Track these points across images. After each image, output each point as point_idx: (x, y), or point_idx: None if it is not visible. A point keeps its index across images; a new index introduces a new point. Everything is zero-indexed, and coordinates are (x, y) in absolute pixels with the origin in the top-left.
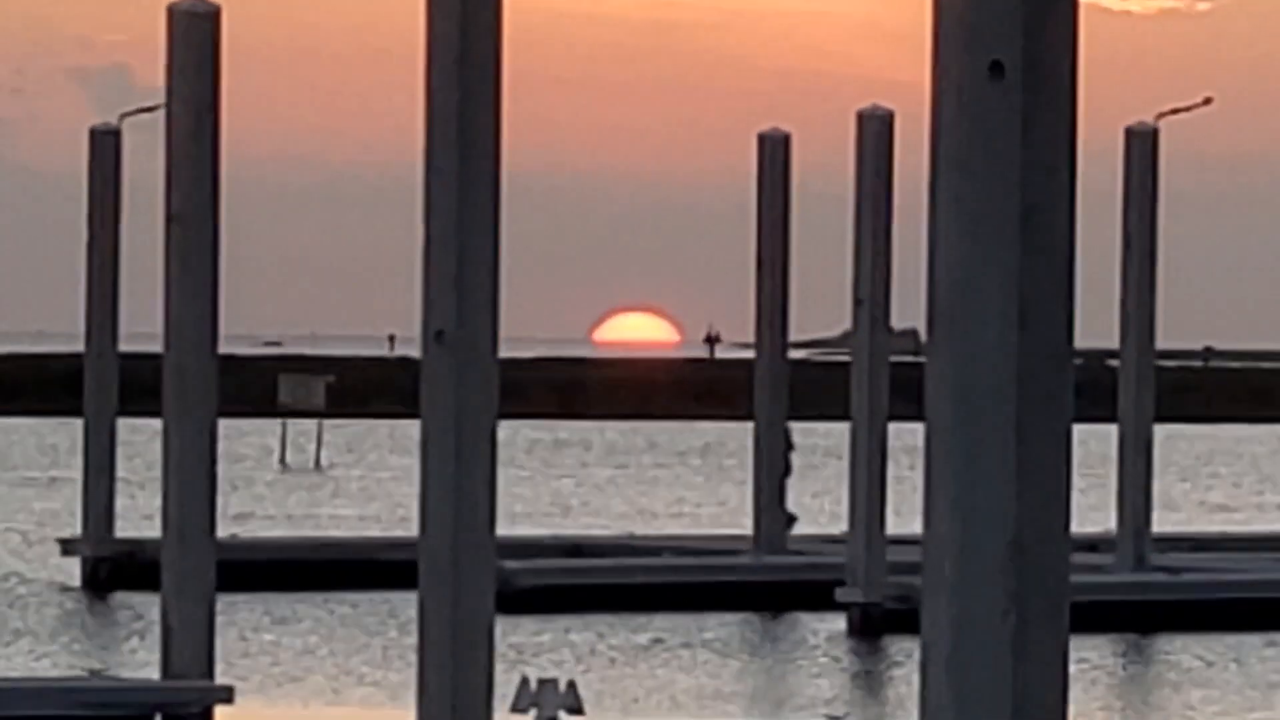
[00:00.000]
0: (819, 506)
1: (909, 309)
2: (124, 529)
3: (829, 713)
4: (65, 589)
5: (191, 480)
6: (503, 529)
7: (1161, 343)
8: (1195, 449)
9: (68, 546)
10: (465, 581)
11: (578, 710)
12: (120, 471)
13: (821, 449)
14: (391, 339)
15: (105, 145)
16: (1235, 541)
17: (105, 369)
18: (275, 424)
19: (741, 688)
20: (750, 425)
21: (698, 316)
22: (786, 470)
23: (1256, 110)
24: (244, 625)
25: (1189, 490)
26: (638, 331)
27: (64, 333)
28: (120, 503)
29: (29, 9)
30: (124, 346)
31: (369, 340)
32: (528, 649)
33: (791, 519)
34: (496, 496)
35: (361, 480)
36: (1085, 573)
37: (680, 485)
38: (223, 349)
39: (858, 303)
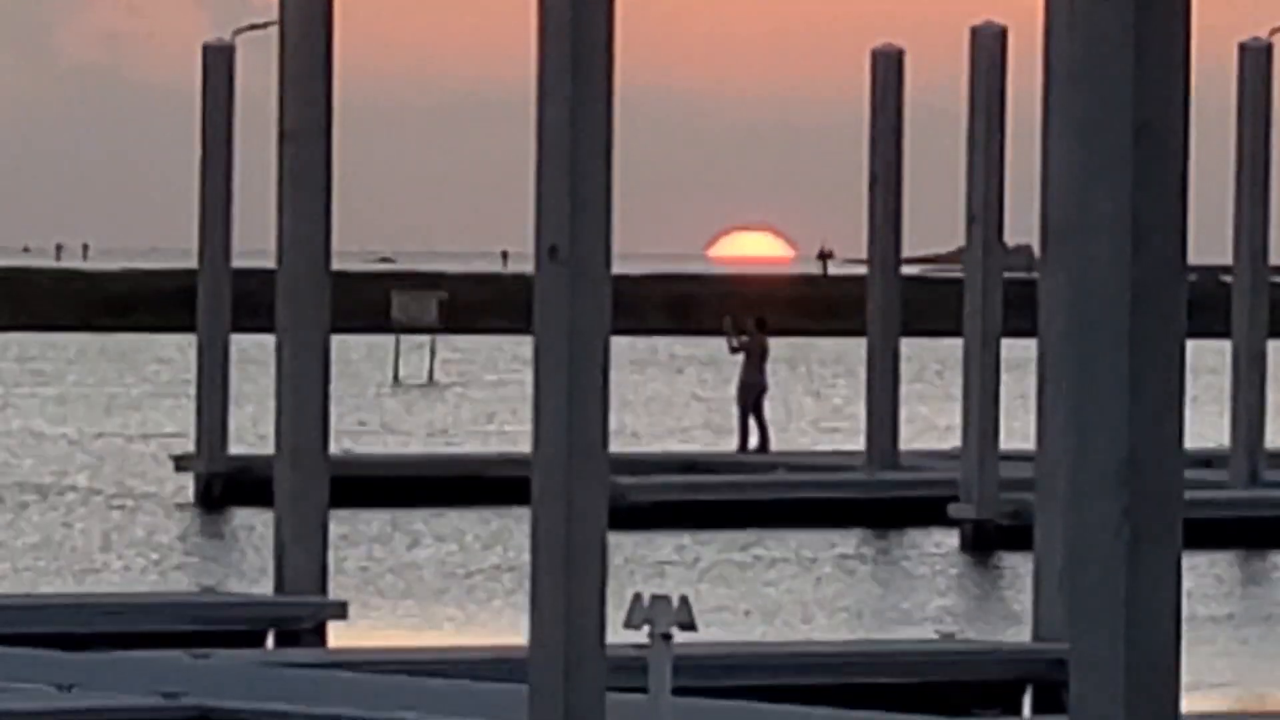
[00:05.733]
0: (933, 423)
1: (1022, 225)
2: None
3: (941, 629)
4: (179, 505)
5: (304, 396)
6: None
7: (1275, 258)
8: None
9: (181, 463)
10: (578, 497)
11: (691, 626)
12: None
13: (935, 365)
14: (504, 255)
15: (219, 61)
16: None
17: (218, 285)
18: (388, 340)
19: (854, 603)
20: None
21: (812, 233)
22: (763, 386)
23: None
24: (357, 541)
25: None
26: (752, 248)
27: (178, 249)
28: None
29: None
30: (237, 263)
31: (482, 256)
32: (641, 565)
33: (764, 439)
34: (609, 411)
35: (474, 396)
36: (1199, 489)
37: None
38: (335, 265)
39: (971, 219)
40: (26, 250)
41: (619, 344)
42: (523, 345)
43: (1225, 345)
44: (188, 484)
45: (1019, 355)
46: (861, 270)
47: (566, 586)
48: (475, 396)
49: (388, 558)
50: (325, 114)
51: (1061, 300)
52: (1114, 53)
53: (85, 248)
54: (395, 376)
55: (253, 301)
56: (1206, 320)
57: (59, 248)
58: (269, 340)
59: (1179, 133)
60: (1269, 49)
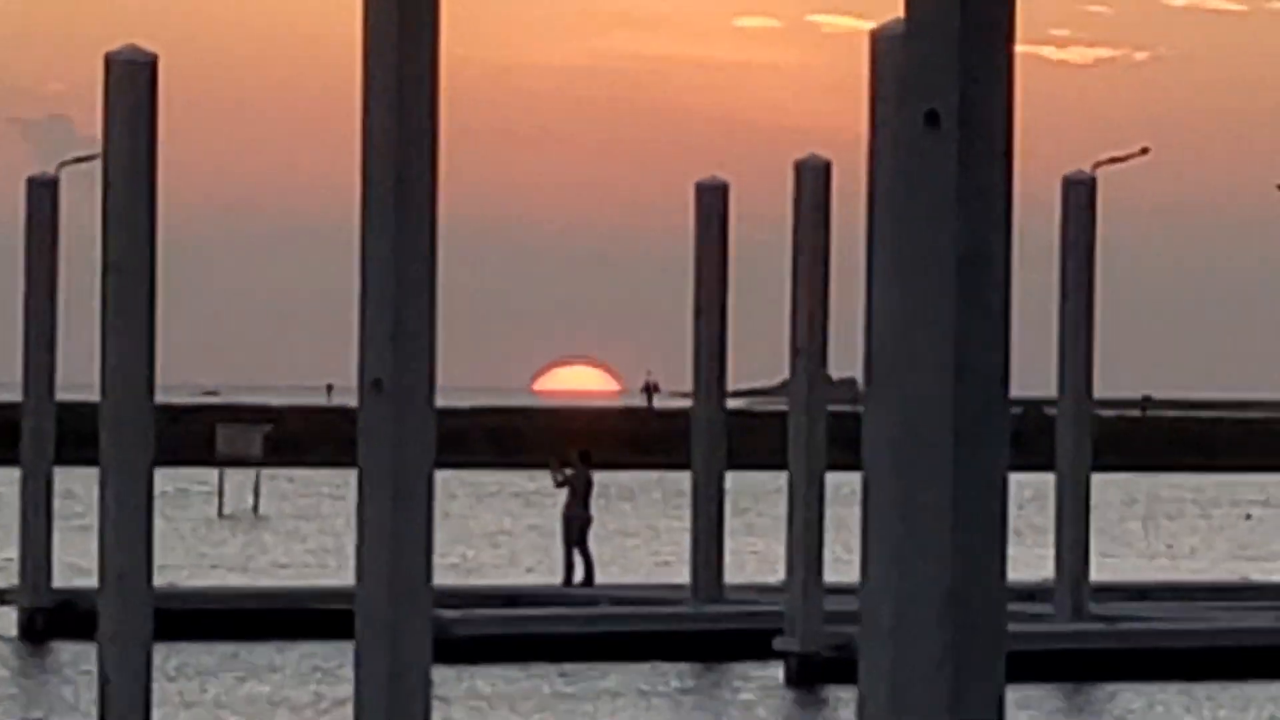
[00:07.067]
0: (757, 555)
1: (847, 358)
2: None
3: None
4: (2, 639)
5: (128, 529)
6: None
7: (1099, 391)
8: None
9: (4, 596)
10: (402, 631)
11: None
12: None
13: (760, 497)
14: (329, 388)
15: (42, 195)
16: (1173, 590)
17: (42, 418)
18: (213, 473)
19: None
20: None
21: (637, 366)
22: (587, 520)
23: (1193, 159)
24: (181, 675)
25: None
26: (578, 382)
27: (1, 382)
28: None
29: None
30: (61, 395)
31: (307, 390)
32: (466, 699)
33: (589, 573)
34: (434, 546)
35: (299, 529)
36: (1023, 622)
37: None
38: (160, 398)
39: (795, 352)
40: None
41: (444, 476)
42: (348, 478)
43: (1049, 478)
44: (11, 618)
45: (845, 488)
46: (686, 403)
47: None
48: (300, 529)
49: (214, 691)
50: (149, 246)
51: (884, 433)
52: (937, 186)
53: None
54: (220, 510)
55: (77, 434)
56: (1031, 453)
57: None
58: (94, 473)
59: (1002, 265)
60: (1092, 182)
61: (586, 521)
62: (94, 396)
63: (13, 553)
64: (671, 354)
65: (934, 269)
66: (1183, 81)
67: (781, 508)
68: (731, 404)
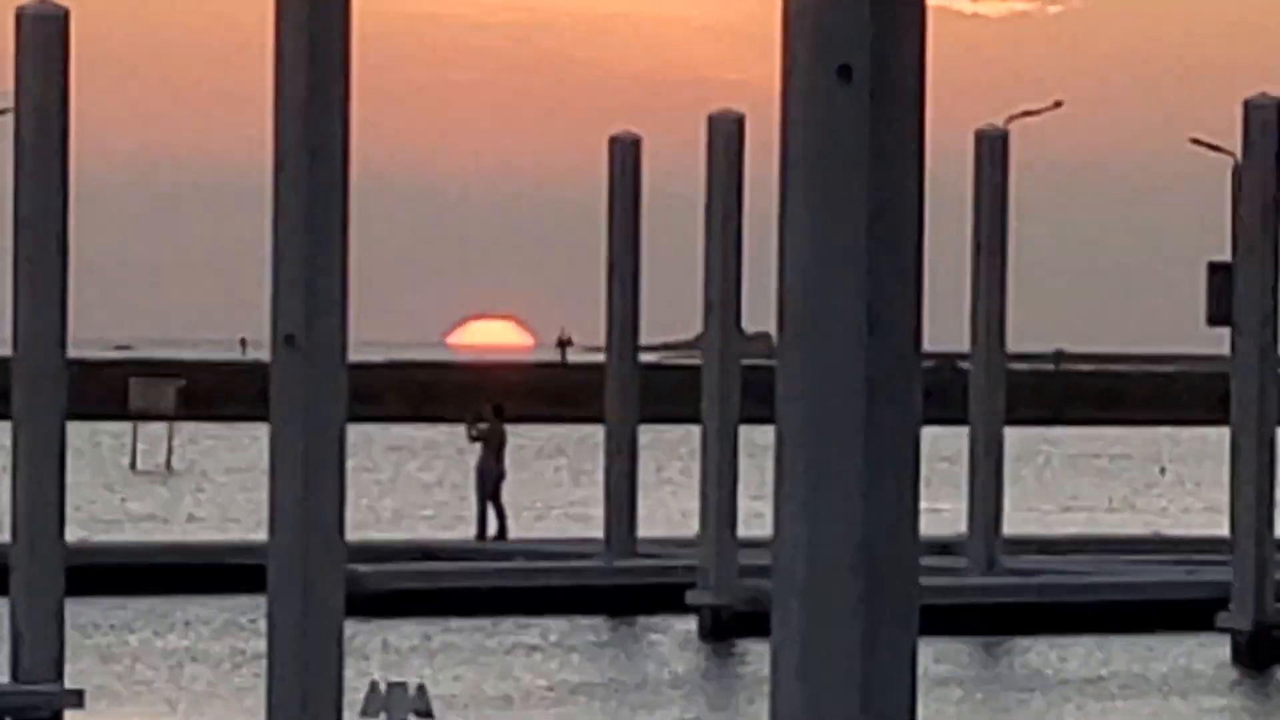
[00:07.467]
0: (671, 509)
1: (761, 312)
2: None
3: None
4: None
5: (40, 484)
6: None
7: (1012, 345)
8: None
9: None
10: (315, 585)
11: (427, 714)
12: None
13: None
14: (243, 343)
15: None
16: (1085, 544)
17: None
18: (126, 428)
19: (592, 690)
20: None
21: (552, 321)
22: (500, 475)
23: (1106, 113)
24: (95, 629)
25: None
26: (492, 336)
27: None
28: None
29: None
30: None
31: (221, 344)
32: (378, 652)
33: (502, 527)
34: (346, 500)
35: (213, 483)
36: (936, 575)
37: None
38: (72, 353)
39: (709, 306)
40: None
41: (357, 431)
42: (262, 432)
43: (962, 432)
44: None
45: (760, 441)
46: (600, 357)
47: (303, 674)
48: (214, 484)
49: (126, 646)
50: (61, 201)
51: (797, 387)
52: (849, 140)
53: None
54: (133, 464)
55: None
56: (944, 407)
57: None
58: (6, 427)
59: (914, 219)
60: (1005, 136)
61: (501, 475)
62: (5, 351)
63: None
64: (585, 308)
65: (846, 223)
66: (1096, 35)
67: (695, 462)
68: (645, 358)
